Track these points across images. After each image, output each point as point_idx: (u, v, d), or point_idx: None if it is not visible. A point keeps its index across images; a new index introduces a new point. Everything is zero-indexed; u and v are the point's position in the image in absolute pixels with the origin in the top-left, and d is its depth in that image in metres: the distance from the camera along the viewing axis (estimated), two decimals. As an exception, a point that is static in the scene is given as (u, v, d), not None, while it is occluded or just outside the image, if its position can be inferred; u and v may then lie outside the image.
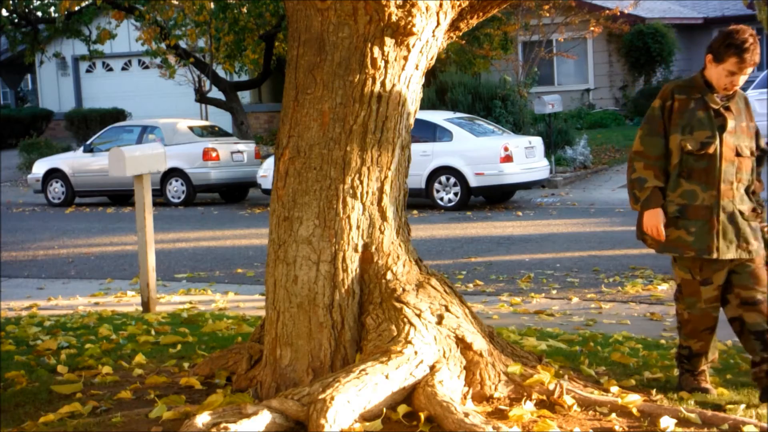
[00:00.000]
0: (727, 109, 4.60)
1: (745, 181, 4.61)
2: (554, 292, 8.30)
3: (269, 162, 16.27)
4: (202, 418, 3.81)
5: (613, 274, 8.99)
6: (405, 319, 4.22)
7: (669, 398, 4.53)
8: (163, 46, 21.20)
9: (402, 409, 4.03)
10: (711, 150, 4.54)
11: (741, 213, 4.57)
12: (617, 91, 25.83)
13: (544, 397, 4.28)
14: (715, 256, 4.53)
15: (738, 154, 4.58)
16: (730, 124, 4.58)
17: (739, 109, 4.63)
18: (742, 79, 4.58)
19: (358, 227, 4.29)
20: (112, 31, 22.21)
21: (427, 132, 15.15)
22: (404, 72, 4.31)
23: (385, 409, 4.00)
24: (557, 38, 23.62)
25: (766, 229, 4.63)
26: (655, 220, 4.62)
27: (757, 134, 4.71)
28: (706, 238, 4.55)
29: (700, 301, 4.65)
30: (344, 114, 4.23)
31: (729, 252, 4.54)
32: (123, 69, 30.41)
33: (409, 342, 4.13)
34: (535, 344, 5.53)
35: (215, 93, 22.73)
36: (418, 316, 4.25)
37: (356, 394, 3.88)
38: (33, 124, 28.95)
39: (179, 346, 5.85)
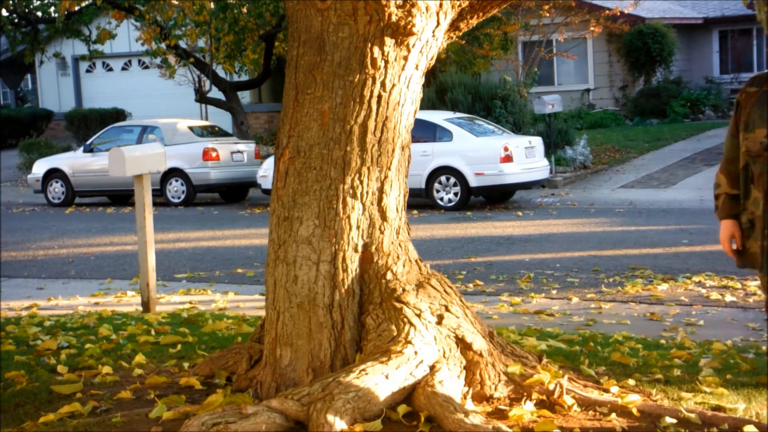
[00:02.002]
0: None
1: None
2: (554, 292, 8.30)
3: (269, 162, 16.27)
4: (202, 418, 3.81)
5: (613, 274, 8.99)
6: (405, 319, 4.22)
7: (669, 398, 4.53)
8: (163, 46, 21.20)
9: (402, 409, 4.03)
10: None
11: None
12: (617, 91, 25.83)
13: (544, 397, 4.29)
14: (760, 274, 4.06)
15: None
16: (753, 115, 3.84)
17: None
18: None
19: (358, 227, 4.29)
20: (112, 31, 22.22)
21: (427, 132, 15.15)
22: (404, 72, 4.31)
23: (385, 409, 4.00)
24: (557, 38, 23.62)
25: None
26: (723, 233, 4.13)
27: None
28: (756, 254, 4.02)
29: None
30: (344, 114, 4.23)
31: None
32: (123, 69, 30.42)
33: (409, 342, 4.13)
34: (535, 344, 5.53)
35: (215, 93, 22.73)
36: (418, 316, 4.25)
37: (356, 394, 3.88)
38: (33, 124, 28.96)
39: (179, 346, 5.85)
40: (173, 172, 17.53)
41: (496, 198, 16.08)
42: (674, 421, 4.06)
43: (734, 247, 4.08)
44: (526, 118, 19.57)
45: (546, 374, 4.35)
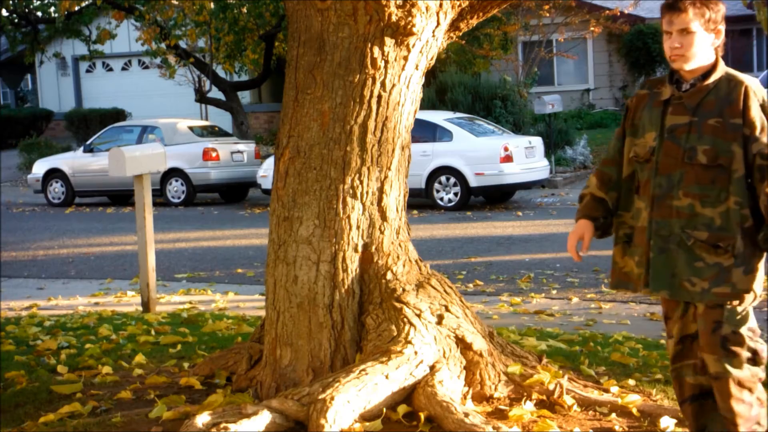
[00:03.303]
0: (679, 100, 3.46)
1: (701, 198, 3.39)
2: (554, 292, 8.30)
3: (269, 162, 16.27)
4: (202, 418, 3.81)
5: (613, 274, 8.98)
6: (405, 319, 4.22)
7: (669, 398, 4.53)
8: (163, 46, 21.20)
9: (402, 409, 4.03)
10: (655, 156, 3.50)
11: (687, 240, 3.40)
12: (617, 91, 25.83)
13: (544, 397, 4.29)
14: (642, 292, 3.55)
15: (688, 161, 3.40)
16: (673, 120, 3.45)
17: (712, 101, 3.40)
18: (682, 41, 3.38)
19: (358, 227, 4.29)
20: (112, 31, 22.21)
21: (427, 132, 15.15)
22: (404, 72, 4.31)
23: (385, 409, 4.00)
24: (557, 38, 23.62)
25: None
26: (573, 232, 3.71)
27: (749, 138, 3.37)
28: (635, 268, 3.55)
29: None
30: (344, 114, 4.23)
31: (660, 287, 3.47)
32: (123, 69, 30.40)
33: (409, 342, 4.13)
34: (535, 344, 5.53)
35: (215, 93, 22.73)
36: (418, 316, 4.25)
37: (356, 394, 3.88)
38: (33, 124, 28.94)
39: (179, 346, 5.85)
40: (173, 172, 17.52)
41: (496, 198, 16.08)
42: (674, 421, 4.06)
43: (580, 252, 3.69)
44: (526, 118, 19.57)
45: (546, 374, 4.35)
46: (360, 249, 4.31)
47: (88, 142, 19.34)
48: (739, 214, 3.37)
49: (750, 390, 3.43)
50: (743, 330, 3.40)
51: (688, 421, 3.65)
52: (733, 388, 3.41)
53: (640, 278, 3.52)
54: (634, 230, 3.56)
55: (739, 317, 3.42)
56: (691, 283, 3.40)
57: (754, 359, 3.42)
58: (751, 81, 3.41)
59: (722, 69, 3.46)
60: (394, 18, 4.15)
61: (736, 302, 3.40)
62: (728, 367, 3.40)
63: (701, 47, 3.41)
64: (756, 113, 3.35)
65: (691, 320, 3.53)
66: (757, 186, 3.35)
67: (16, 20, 23.53)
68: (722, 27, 3.44)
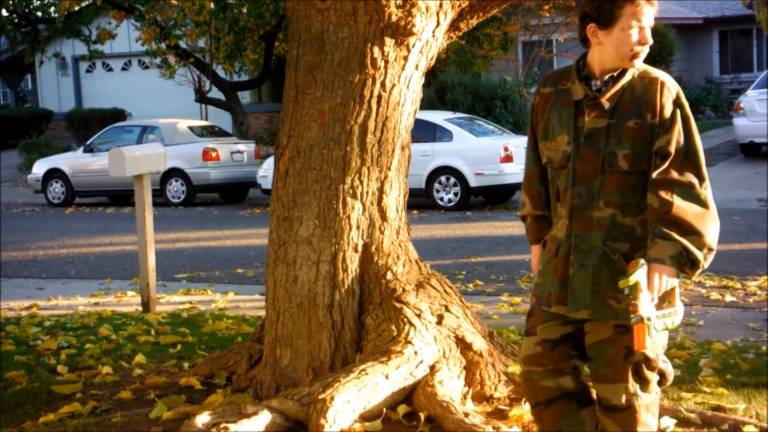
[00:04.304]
0: (594, 101, 3.14)
1: (623, 207, 3.11)
2: (554, 292, 8.29)
3: (269, 162, 16.27)
4: (202, 418, 3.81)
5: (613, 274, 8.98)
6: (405, 319, 4.22)
7: (669, 398, 4.53)
8: (163, 46, 21.20)
9: (402, 409, 4.03)
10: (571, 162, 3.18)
11: (611, 255, 3.10)
12: (617, 91, 25.80)
13: (544, 397, 4.28)
14: (554, 309, 3.19)
15: (608, 168, 3.10)
16: (590, 124, 3.13)
17: (628, 101, 3.11)
18: (650, 36, 3.12)
19: (358, 227, 4.29)
20: (112, 31, 22.21)
21: (427, 132, 15.15)
22: (404, 72, 4.31)
23: (385, 409, 4.00)
24: (557, 38, 23.61)
25: (632, 264, 3.04)
26: (533, 260, 3.43)
27: (658, 135, 3.09)
28: (548, 283, 3.22)
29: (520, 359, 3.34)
30: (344, 114, 4.23)
31: (579, 306, 3.13)
32: (123, 69, 30.40)
33: (409, 342, 4.13)
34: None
35: (215, 93, 22.73)
36: (418, 316, 4.25)
37: (356, 394, 3.88)
38: (33, 124, 28.93)
39: (179, 346, 5.85)
40: (173, 172, 17.52)
41: (496, 198, 16.08)
42: (674, 421, 4.06)
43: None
44: (526, 118, 19.56)
45: (546, 374, 4.35)
46: (360, 249, 4.31)
47: (88, 142, 19.35)
48: None
49: (653, 414, 3.18)
50: (657, 353, 3.04)
51: (540, 425, 3.32)
52: (642, 415, 3.14)
53: (552, 293, 3.18)
54: (549, 237, 3.27)
55: (652, 341, 3.05)
56: (617, 300, 3.07)
57: (660, 380, 3.09)
58: (665, 76, 3.16)
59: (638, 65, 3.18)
60: (394, 18, 4.15)
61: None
62: (640, 393, 3.12)
63: None
64: (669, 110, 3.08)
65: (559, 325, 3.19)
66: (649, 185, 3.06)
67: (16, 20, 23.53)
68: None
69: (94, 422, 4.24)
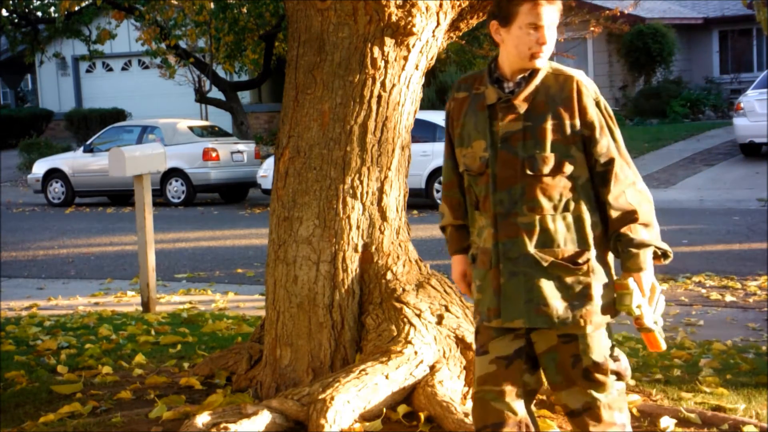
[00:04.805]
0: (508, 104, 3.05)
1: (548, 211, 3.02)
2: (554, 292, 8.29)
3: (269, 162, 16.27)
4: (202, 418, 3.81)
5: (613, 274, 8.98)
6: (405, 319, 4.22)
7: (669, 398, 4.53)
8: (163, 46, 21.20)
9: (402, 409, 4.03)
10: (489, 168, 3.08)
11: (541, 260, 3.01)
12: (617, 91, 25.83)
13: (544, 397, 4.28)
14: (493, 323, 3.08)
15: (530, 172, 3.01)
16: (506, 127, 3.04)
17: (543, 102, 3.03)
18: (550, 36, 3.05)
19: (358, 227, 4.29)
20: (112, 31, 22.22)
21: (427, 132, 15.15)
22: (404, 72, 4.31)
23: (385, 409, 4.00)
24: (557, 38, 23.61)
25: (618, 285, 3.04)
26: (454, 271, 3.33)
27: (589, 139, 3.02)
28: (486, 297, 3.10)
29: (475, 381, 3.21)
30: (344, 114, 4.23)
31: (514, 316, 3.03)
32: (123, 69, 30.41)
33: (409, 342, 4.13)
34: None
35: (215, 93, 22.73)
36: (418, 316, 4.25)
37: (356, 394, 3.88)
38: (33, 124, 28.94)
39: (179, 346, 5.85)
40: (173, 172, 17.53)
41: (496, 198, 16.06)
42: (674, 421, 4.06)
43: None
44: (526, 118, 19.55)
45: (546, 374, 4.35)
46: (360, 249, 4.31)
47: (88, 142, 19.35)
48: (590, 222, 3.03)
49: (620, 409, 3.10)
50: (605, 356, 3.03)
51: None
52: (605, 414, 3.06)
53: (490, 307, 3.07)
54: (479, 251, 3.13)
55: (598, 343, 3.04)
56: (551, 307, 2.99)
57: (618, 376, 3.08)
58: (580, 74, 3.07)
59: (547, 63, 3.10)
60: (394, 18, 4.15)
61: (597, 323, 3.02)
62: (596, 394, 3.05)
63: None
64: (593, 111, 3.02)
65: (510, 339, 3.08)
66: (600, 193, 3.03)
67: (16, 20, 23.54)
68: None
69: (94, 422, 4.24)
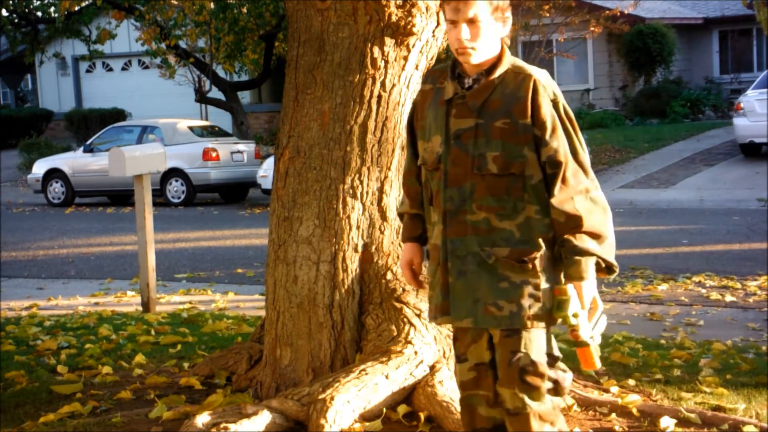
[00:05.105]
0: (463, 100, 3.01)
1: (497, 210, 2.97)
2: (554, 292, 8.29)
3: (269, 162, 16.27)
4: (202, 418, 3.81)
5: (613, 274, 8.97)
6: (405, 319, 4.22)
7: (669, 398, 4.53)
8: (163, 46, 21.20)
9: (402, 409, 4.03)
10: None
11: (487, 258, 2.98)
12: (617, 91, 25.83)
13: (544, 397, 4.28)
14: (440, 321, 3.15)
15: (477, 170, 2.97)
16: (458, 124, 3.01)
17: (497, 100, 2.97)
18: (473, 32, 2.92)
19: (358, 227, 4.29)
20: (112, 31, 22.22)
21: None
22: (404, 72, 4.31)
23: (385, 409, 4.00)
24: (557, 38, 23.62)
25: (557, 291, 2.98)
26: (402, 258, 3.31)
27: (540, 140, 2.96)
28: (435, 294, 3.11)
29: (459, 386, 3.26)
30: (344, 114, 4.24)
31: (462, 315, 3.03)
32: (123, 69, 30.41)
33: (409, 342, 4.13)
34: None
35: (215, 93, 22.73)
36: (418, 316, 4.25)
37: (356, 394, 3.88)
38: (33, 124, 28.94)
39: (179, 346, 5.85)
40: (173, 172, 17.53)
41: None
42: (674, 421, 4.06)
43: (421, 277, 3.28)
44: (525, 118, 19.55)
45: (546, 374, 4.35)
46: (360, 249, 4.31)
47: (88, 142, 19.36)
48: (541, 224, 2.96)
49: (552, 423, 3.05)
50: (543, 358, 3.02)
51: None
52: (534, 424, 3.01)
53: (437, 305, 3.08)
54: (431, 246, 3.15)
55: (539, 343, 3.02)
56: (498, 307, 2.96)
57: (556, 389, 3.04)
58: (540, 74, 2.99)
59: (508, 61, 3.01)
60: (394, 18, 4.15)
61: (541, 325, 3.00)
62: (527, 400, 3.00)
63: (490, 38, 2.96)
64: (546, 111, 2.93)
65: (485, 347, 3.09)
66: (550, 196, 2.95)
67: (16, 20, 23.54)
68: (509, 15, 3.01)
69: (94, 422, 4.24)
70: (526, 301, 2.96)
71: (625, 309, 7.47)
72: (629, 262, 9.54)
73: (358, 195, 4.28)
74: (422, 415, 3.98)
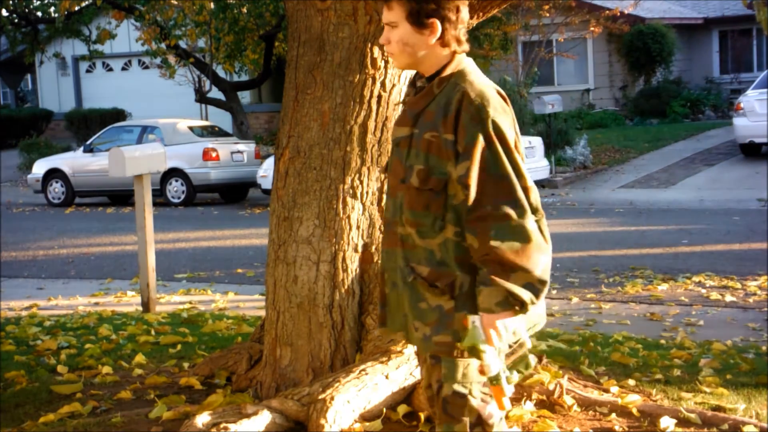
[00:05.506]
0: (404, 107, 2.93)
1: (418, 227, 2.80)
2: (554, 292, 8.30)
3: (269, 162, 16.27)
4: (202, 418, 3.81)
5: (613, 274, 8.99)
6: (405, 319, 4.22)
7: (669, 398, 4.53)
8: (163, 46, 21.20)
9: (402, 409, 4.03)
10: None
11: (407, 276, 2.83)
12: (617, 91, 25.84)
13: (544, 397, 4.29)
14: (380, 332, 3.14)
15: (404, 182, 2.83)
16: (398, 132, 2.90)
17: (433, 111, 2.79)
18: (390, 35, 2.82)
19: (358, 227, 4.29)
20: (112, 31, 22.21)
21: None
22: (404, 72, 4.31)
23: (385, 409, 4.00)
24: (557, 38, 23.63)
25: (464, 320, 2.75)
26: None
27: (457, 157, 2.73)
28: (377, 304, 3.07)
29: None
30: (344, 114, 4.24)
31: (396, 327, 2.94)
32: (123, 69, 30.41)
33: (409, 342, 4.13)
34: (535, 344, 5.53)
35: (215, 93, 22.73)
36: (418, 316, 4.25)
37: (356, 394, 3.88)
38: (33, 124, 28.95)
39: (179, 346, 5.85)
40: (173, 172, 17.52)
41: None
42: (674, 421, 4.06)
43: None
44: (526, 118, 19.56)
45: (546, 374, 4.35)
46: (360, 249, 4.31)
47: (88, 142, 19.35)
48: (460, 247, 2.74)
49: None
50: (467, 390, 2.81)
51: None
52: None
53: (379, 315, 2.98)
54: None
55: (462, 374, 2.80)
56: (415, 327, 2.81)
57: (481, 425, 2.82)
58: (471, 86, 2.76)
59: (454, 70, 2.81)
60: (394, 18, 4.14)
61: (456, 353, 2.78)
62: None
63: (411, 45, 2.78)
64: (467, 127, 2.70)
65: (426, 370, 2.96)
66: (465, 222, 2.72)
67: (16, 20, 23.54)
68: (439, 22, 2.76)
69: (94, 422, 4.24)
70: (437, 327, 2.77)
71: (625, 309, 7.48)
72: (629, 262, 9.54)
73: (358, 195, 4.28)
74: (422, 415, 3.98)
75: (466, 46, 2.83)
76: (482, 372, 2.72)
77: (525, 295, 2.65)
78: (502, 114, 2.73)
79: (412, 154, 2.80)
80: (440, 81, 2.80)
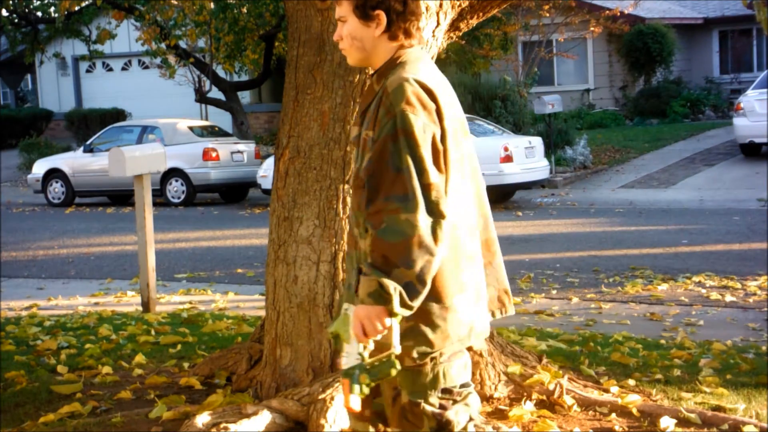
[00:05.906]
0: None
1: (357, 227, 2.77)
2: (554, 292, 8.30)
3: (269, 162, 16.27)
4: (202, 418, 3.81)
5: (613, 274, 8.99)
6: (405, 319, 4.21)
7: (669, 398, 4.53)
8: (163, 46, 21.20)
9: (402, 409, 4.02)
10: None
11: (357, 275, 2.71)
12: (617, 91, 25.84)
13: (544, 397, 4.29)
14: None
15: (350, 182, 2.92)
16: (351, 131, 2.89)
17: (373, 109, 2.71)
18: (342, 32, 2.75)
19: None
20: (112, 31, 22.20)
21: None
22: (404, 72, 4.31)
23: (385, 409, 4.00)
24: (557, 38, 23.63)
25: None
26: None
27: (367, 157, 2.68)
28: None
29: None
30: (344, 114, 4.24)
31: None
32: (123, 69, 30.40)
33: (409, 342, 4.13)
34: (535, 344, 5.53)
35: (215, 93, 22.73)
36: (418, 316, 4.24)
37: (356, 394, 3.88)
38: (33, 124, 28.93)
39: (179, 346, 5.85)
40: (173, 172, 17.52)
41: (496, 198, 16.07)
42: (674, 421, 4.06)
43: None
44: (526, 118, 19.58)
45: (546, 374, 4.35)
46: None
47: (88, 142, 19.34)
48: None
49: None
50: (422, 398, 2.67)
51: None
52: None
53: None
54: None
55: (421, 381, 2.67)
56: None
57: (444, 429, 2.68)
58: (393, 80, 2.64)
59: (395, 66, 2.70)
60: (394, 18, 4.14)
61: (409, 360, 2.64)
62: None
63: (359, 39, 2.71)
64: (381, 120, 2.62)
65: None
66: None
67: (16, 20, 23.54)
68: (385, 13, 2.68)
69: (94, 422, 4.24)
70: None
71: (625, 309, 7.48)
72: (629, 262, 9.54)
73: (358, 195, 4.27)
74: (422, 415, 3.98)
75: (415, 40, 2.73)
76: (338, 364, 2.60)
77: (391, 287, 2.51)
78: (416, 107, 2.60)
79: (358, 154, 2.75)
80: (378, 77, 2.73)
